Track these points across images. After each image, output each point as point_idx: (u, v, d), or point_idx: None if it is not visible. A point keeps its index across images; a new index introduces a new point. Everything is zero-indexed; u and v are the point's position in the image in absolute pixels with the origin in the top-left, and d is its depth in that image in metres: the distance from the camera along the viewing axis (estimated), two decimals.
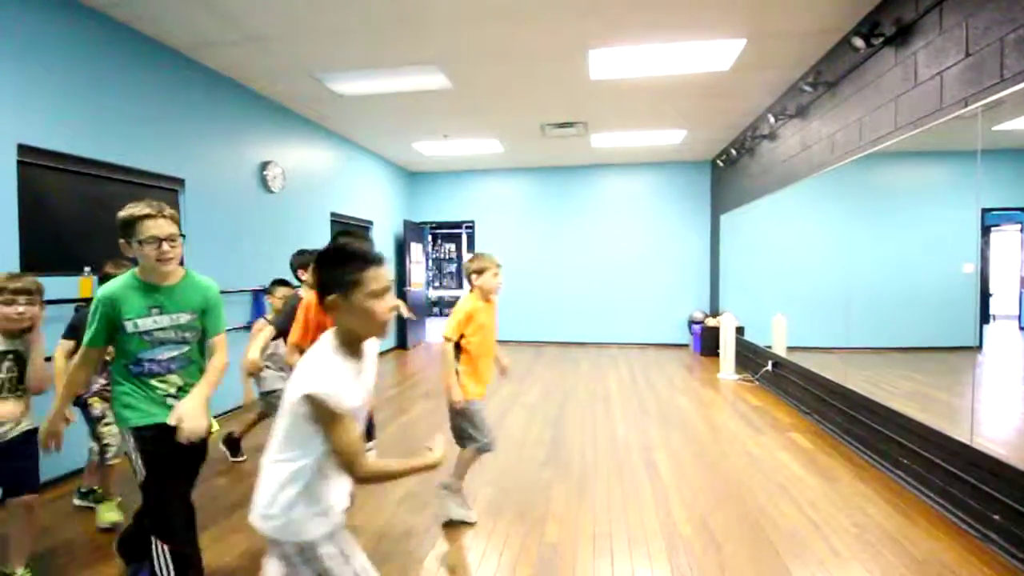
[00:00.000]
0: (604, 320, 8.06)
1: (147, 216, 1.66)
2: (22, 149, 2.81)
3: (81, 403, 2.45)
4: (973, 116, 2.40)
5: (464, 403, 2.41)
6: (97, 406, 2.48)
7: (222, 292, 4.59)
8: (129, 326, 1.65)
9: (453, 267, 13.33)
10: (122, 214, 1.68)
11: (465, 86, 4.57)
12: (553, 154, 7.31)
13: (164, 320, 1.72)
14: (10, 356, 1.95)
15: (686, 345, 7.76)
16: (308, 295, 2.46)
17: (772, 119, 4.76)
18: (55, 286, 2.95)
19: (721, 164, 6.87)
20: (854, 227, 3.62)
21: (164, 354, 1.74)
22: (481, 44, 3.75)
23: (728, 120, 5.70)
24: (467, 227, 12.43)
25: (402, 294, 7.83)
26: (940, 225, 2.89)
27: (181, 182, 3.85)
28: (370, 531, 2.43)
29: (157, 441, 1.66)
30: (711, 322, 6.95)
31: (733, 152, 6.21)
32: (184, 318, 1.78)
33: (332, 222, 6.04)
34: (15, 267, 2.75)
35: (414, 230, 8.23)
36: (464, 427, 2.47)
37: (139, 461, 1.68)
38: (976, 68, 2.40)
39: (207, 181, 4.09)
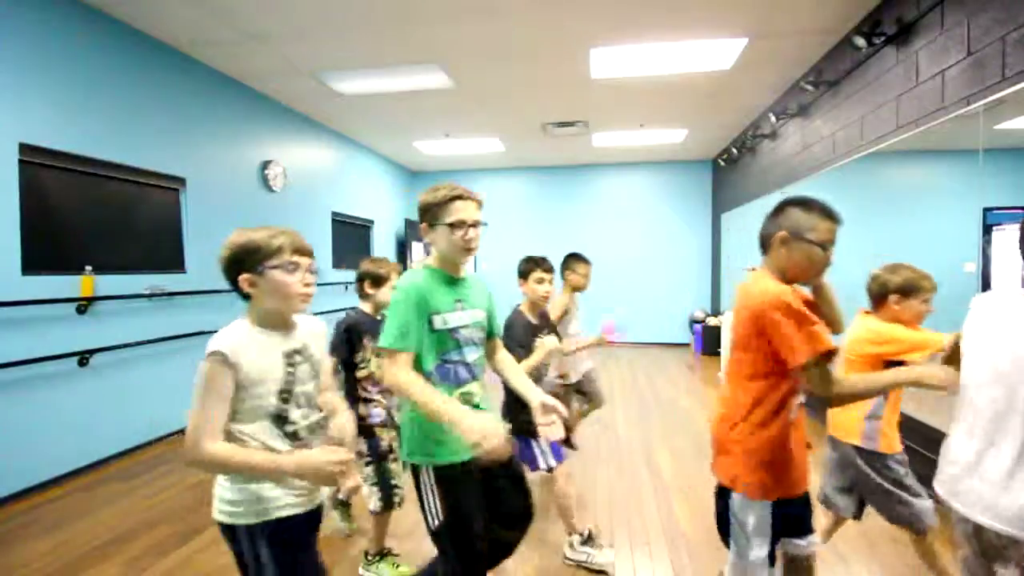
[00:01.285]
0: (606, 318, 8.04)
1: (459, 197, 1.48)
2: (23, 148, 2.81)
3: (367, 432, 2.05)
4: (975, 115, 2.40)
5: None
6: (386, 437, 2.08)
7: (223, 292, 4.62)
8: (438, 321, 1.41)
9: None
10: (429, 195, 1.52)
11: (466, 85, 4.57)
12: (554, 153, 7.31)
13: (466, 317, 1.49)
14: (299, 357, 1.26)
15: (687, 344, 7.76)
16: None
17: (773, 118, 4.75)
18: (56, 286, 2.96)
19: (722, 163, 6.87)
20: (855, 226, 3.61)
21: (471, 355, 1.49)
22: (482, 43, 3.74)
23: (729, 119, 5.70)
24: None
25: None
26: (941, 224, 2.88)
27: (182, 181, 3.85)
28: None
29: (466, 479, 1.36)
30: (712, 321, 6.95)
31: (734, 151, 6.20)
32: (479, 315, 1.55)
33: (333, 221, 6.04)
34: (16, 266, 2.76)
35: (415, 229, 8.23)
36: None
37: (437, 503, 1.40)
38: (978, 67, 2.40)
39: (208, 180, 4.09)
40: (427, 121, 5.74)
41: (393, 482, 2.06)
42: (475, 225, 1.48)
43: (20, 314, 2.76)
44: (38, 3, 2.86)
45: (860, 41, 3.13)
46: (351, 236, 6.62)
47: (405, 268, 8.12)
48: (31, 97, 2.84)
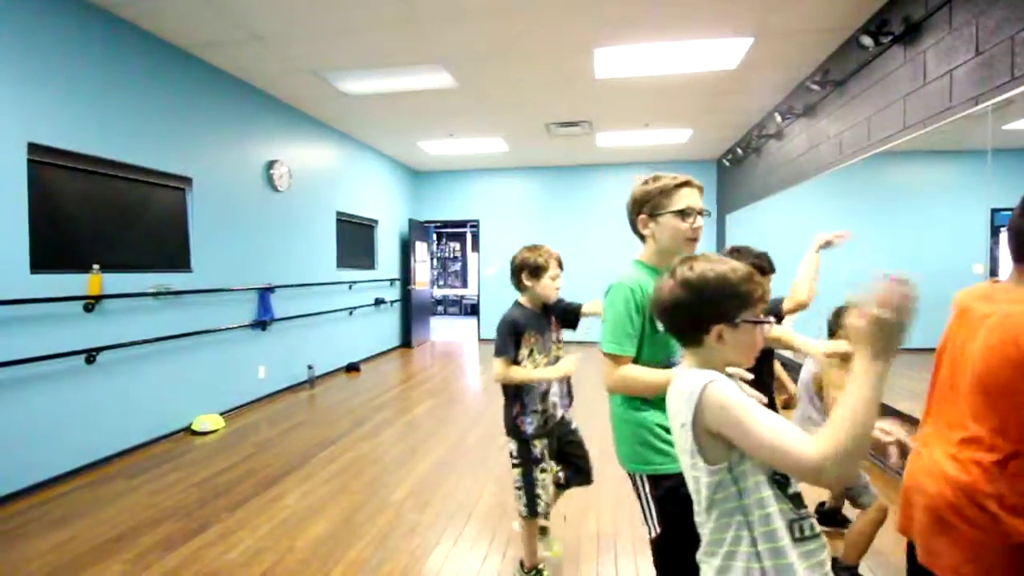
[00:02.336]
0: None
1: (686, 183, 1.38)
2: (32, 147, 2.83)
3: (517, 433, 1.96)
4: (983, 115, 2.38)
5: None
6: (538, 444, 1.97)
7: (228, 291, 4.64)
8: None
9: (458, 266, 13.35)
10: (649, 185, 1.42)
11: (470, 85, 4.57)
12: (558, 153, 7.30)
13: None
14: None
15: None
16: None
17: (779, 118, 4.73)
18: (63, 284, 2.98)
19: (727, 163, 6.84)
20: (862, 227, 3.59)
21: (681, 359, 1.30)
22: (486, 43, 3.74)
23: (734, 119, 5.67)
24: (472, 226, 12.44)
25: (406, 293, 7.85)
26: (949, 225, 2.86)
27: (188, 180, 3.87)
28: (374, 529, 2.44)
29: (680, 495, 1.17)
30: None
31: (739, 151, 6.17)
32: None
33: (338, 221, 6.06)
34: (24, 264, 2.78)
35: (419, 229, 8.24)
36: None
37: (654, 514, 1.32)
38: (986, 67, 2.38)
39: (214, 180, 4.11)
40: (431, 121, 5.75)
41: (537, 491, 1.94)
42: (701, 213, 1.37)
43: (28, 312, 2.79)
44: (46, 4, 2.89)
45: (867, 40, 3.11)
46: (355, 236, 6.64)
47: (408, 270, 8.11)
48: (39, 97, 2.86)
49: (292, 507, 2.65)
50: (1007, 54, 2.26)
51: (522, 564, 2.04)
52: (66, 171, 3.08)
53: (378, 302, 7.00)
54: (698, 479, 0.90)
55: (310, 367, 5.26)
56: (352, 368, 6.08)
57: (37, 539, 2.35)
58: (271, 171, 4.77)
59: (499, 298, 8.42)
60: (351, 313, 6.30)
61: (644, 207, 1.42)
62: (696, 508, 0.94)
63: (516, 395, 1.96)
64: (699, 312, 0.94)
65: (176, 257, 3.83)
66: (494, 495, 2.79)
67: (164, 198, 3.75)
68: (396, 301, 7.68)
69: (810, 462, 0.76)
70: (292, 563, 2.15)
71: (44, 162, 2.93)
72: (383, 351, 7.29)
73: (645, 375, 1.31)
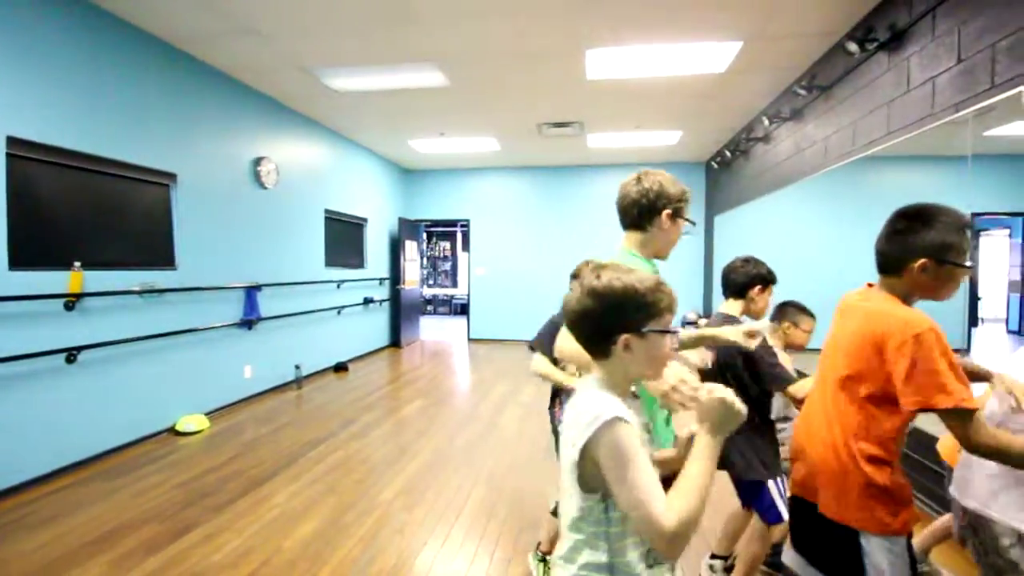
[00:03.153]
0: None
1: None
2: (11, 142, 2.77)
3: (554, 428, 2.04)
4: (964, 122, 2.43)
5: None
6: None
7: (214, 289, 4.59)
8: None
9: (448, 265, 13.31)
10: (680, 186, 1.52)
11: (462, 84, 4.56)
12: (549, 153, 7.32)
13: None
14: None
15: None
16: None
17: (767, 122, 4.79)
18: (44, 282, 2.92)
19: (716, 166, 6.91)
20: (847, 230, 3.65)
21: None
22: (478, 42, 3.74)
23: (723, 122, 5.73)
24: (462, 225, 12.42)
25: (395, 292, 7.82)
26: None
27: (173, 177, 3.81)
28: (362, 529, 2.43)
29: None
30: (705, 323, 6.98)
31: (728, 154, 6.24)
32: None
33: (326, 219, 6.01)
34: (3, 262, 2.72)
35: (409, 228, 8.21)
36: None
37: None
38: (968, 74, 2.43)
39: (199, 176, 4.05)
40: (422, 119, 5.72)
41: None
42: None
43: (7, 310, 2.72)
44: None
45: (853, 47, 3.16)
46: (344, 234, 6.59)
47: (398, 269, 8.07)
48: (19, 91, 2.80)
49: (279, 507, 2.62)
50: (988, 62, 2.31)
51: (538, 546, 2.14)
52: (46, 166, 3.01)
53: (367, 301, 6.96)
54: (571, 496, 0.92)
55: (297, 367, 5.22)
56: (340, 368, 6.03)
57: (17, 541, 2.30)
58: (258, 168, 4.71)
59: (489, 298, 8.42)
60: (339, 312, 6.26)
61: (672, 204, 1.46)
62: (561, 509, 0.98)
63: (555, 392, 2.14)
64: (605, 321, 0.91)
65: (160, 255, 3.77)
66: (483, 495, 2.79)
67: (148, 194, 3.69)
68: (385, 300, 7.64)
69: (669, 527, 0.81)
70: (279, 564, 2.13)
71: (23, 156, 2.86)
72: (372, 351, 7.25)
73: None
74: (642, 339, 0.91)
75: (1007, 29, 2.21)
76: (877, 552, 1.17)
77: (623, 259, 1.42)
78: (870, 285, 1.35)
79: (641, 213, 1.48)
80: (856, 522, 1.19)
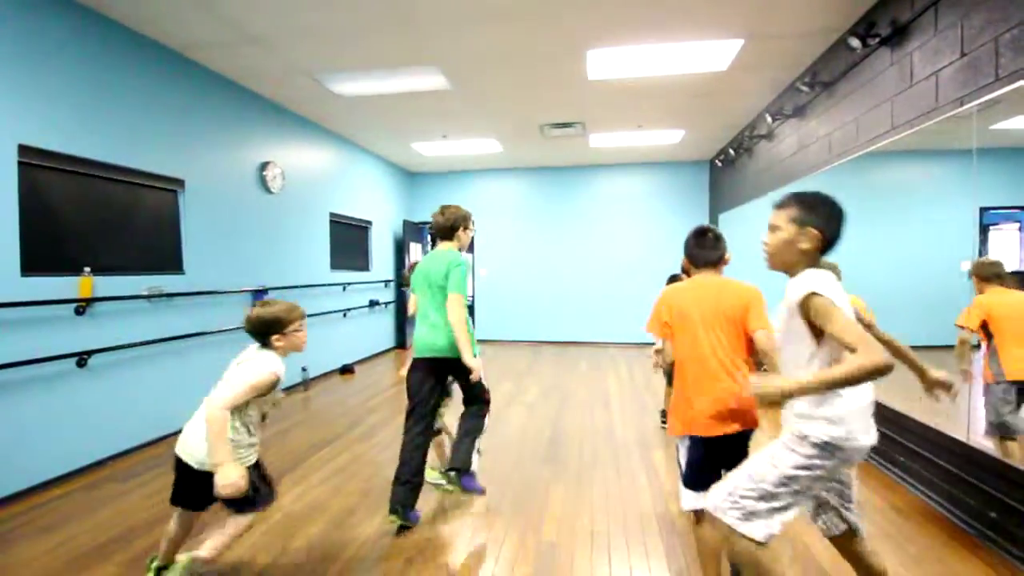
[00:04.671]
0: (603, 320, 8.07)
1: None
2: (23, 150, 2.82)
3: None
4: (968, 115, 2.41)
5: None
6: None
7: (221, 293, 4.61)
8: None
9: None
10: (463, 211, 2.66)
11: (464, 86, 4.58)
12: (552, 154, 7.33)
13: None
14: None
15: None
16: None
17: (769, 119, 4.77)
18: (55, 287, 2.97)
19: (719, 164, 6.89)
20: (851, 226, 3.63)
21: None
22: (480, 45, 3.76)
23: (726, 120, 5.72)
24: None
25: (401, 294, 7.85)
26: (939, 224, 2.90)
27: (181, 183, 3.86)
28: (369, 530, 2.44)
29: None
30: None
31: (731, 152, 6.22)
32: None
33: (332, 222, 6.05)
34: (15, 268, 2.77)
35: (413, 230, 8.24)
36: None
37: None
38: (971, 68, 2.42)
39: (207, 182, 4.10)
40: (425, 122, 5.75)
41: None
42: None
43: (19, 315, 2.77)
44: (37, 5, 2.87)
45: (855, 42, 3.15)
46: (349, 237, 6.63)
47: (400, 270, 8.09)
48: (30, 99, 2.85)
49: (286, 509, 2.65)
50: (991, 55, 2.29)
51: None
52: (57, 173, 3.06)
53: (372, 303, 6.99)
54: None
55: (304, 369, 5.25)
56: (346, 370, 6.06)
57: (30, 543, 2.33)
58: (264, 172, 4.75)
59: (493, 299, 8.43)
60: (345, 315, 6.29)
61: (465, 223, 2.62)
62: None
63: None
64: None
65: (168, 259, 3.81)
66: (489, 494, 2.80)
67: (156, 200, 3.74)
68: (391, 302, 7.67)
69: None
70: (286, 564, 2.15)
71: (35, 164, 2.91)
72: (378, 352, 7.28)
73: None
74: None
75: (1010, 22, 2.19)
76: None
77: (451, 256, 2.47)
78: (689, 276, 2.12)
79: (453, 229, 2.59)
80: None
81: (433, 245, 2.81)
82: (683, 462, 1.88)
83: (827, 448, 1.37)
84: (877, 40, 3.07)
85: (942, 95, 2.61)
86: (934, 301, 2.91)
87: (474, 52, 3.88)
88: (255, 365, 1.85)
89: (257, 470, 1.93)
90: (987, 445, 2.33)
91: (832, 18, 3.37)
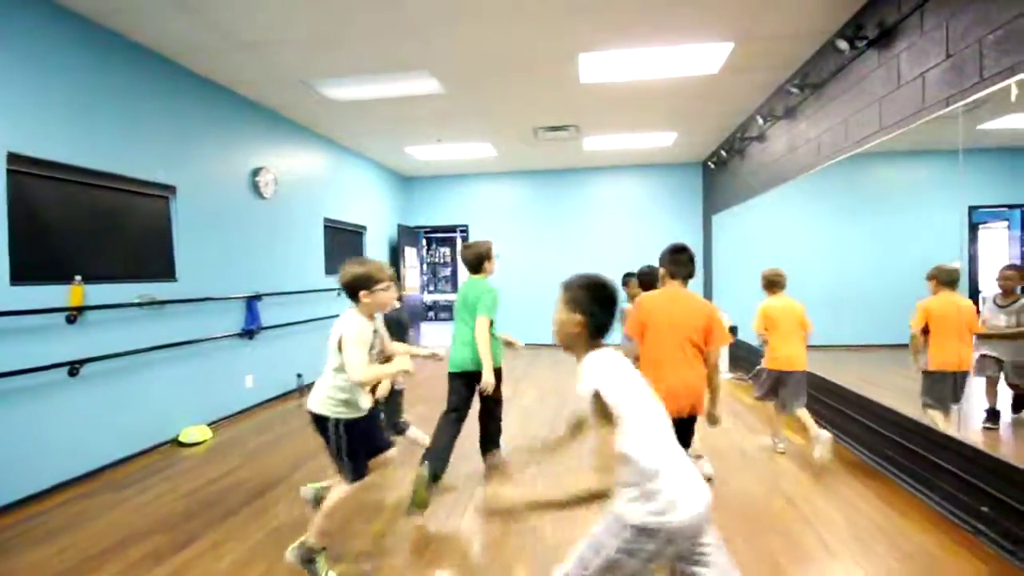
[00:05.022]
0: None
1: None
2: (11, 157, 2.80)
3: None
4: (955, 116, 2.45)
5: None
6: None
7: (214, 299, 4.59)
8: None
9: (448, 271, 13.33)
10: (487, 245, 2.99)
11: (457, 90, 4.59)
12: (546, 157, 7.35)
13: None
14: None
15: None
16: None
17: (761, 121, 4.81)
18: (45, 296, 2.94)
19: (712, 166, 6.93)
20: (844, 226, 3.67)
21: None
22: (472, 49, 3.77)
23: (718, 122, 5.76)
24: (461, 231, 12.42)
25: (397, 299, 7.83)
26: (928, 223, 2.93)
27: (172, 189, 3.84)
28: (363, 537, 2.43)
29: None
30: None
31: (723, 154, 6.26)
32: None
33: (326, 227, 6.04)
34: (4, 277, 2.74)
35: (408, 234, 8.23)
36: None
37: None
38: (956, 69, 2.45)
39: (199, 188, 4.08)
40: (419, 127, 5.76)
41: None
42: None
43: (9, 324, 2.74)
44: (27, 11, 2.86)
45: (843, 44, 3.19)
46: (344, 242, 6.61)
47: (397, 274, 8.09)
48: (19, 106, 2.83)
49: (282, 516, 2.63)
50: (975, 57, 2.33)
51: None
52: (47, 181, 3.04)
53: None
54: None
55: (299, 375, 5.23)
56: None
57: (23, 553, 2.31)
58: (257, 178, 4.74)
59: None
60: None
61: (489, 256, 2.97)
62: None
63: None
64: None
65: (160, 266, 3.79)
66: (487, 497, 2.79)
67: (148, 207, 3.72)
68: None
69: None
70: (283, 572, 2.14)
71: (24, 172, 2.89)
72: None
73: None
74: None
75: (993, 24, 2.23)
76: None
77: (482, 285, 2.86)
78: (663, 287, 2.42)
79: (479, 263, 2.93)
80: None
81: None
82: None
83: (644, 532, 1.22)
84: (865, 42, 3.11)
85: (929, 96, 2.65)
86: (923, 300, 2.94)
87: (467, 56, 3.89)
88: (347, 327, 1.98)
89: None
90: (976, 440, 2.37)
91: (820, 21, 3.40)
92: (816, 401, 3.88)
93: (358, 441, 2.04)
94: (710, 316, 2.22)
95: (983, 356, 2.56)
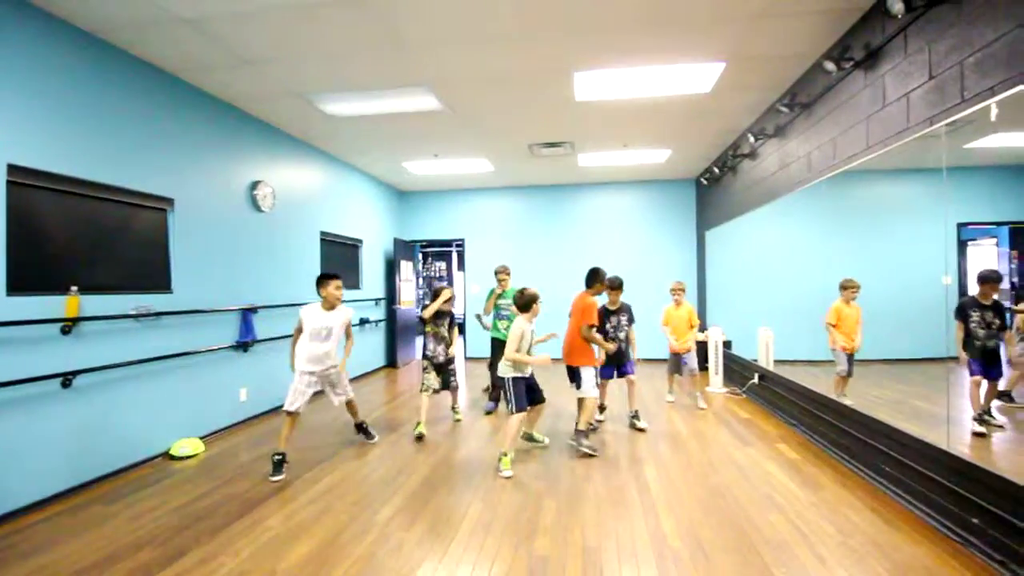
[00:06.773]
0: None
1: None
2: (11, 169, 2.82)
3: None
4: (939, 135, 2.52)
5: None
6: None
7: (209, 312, 4.59)
8: None
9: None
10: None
11: (455, 107, 4.67)
12: (542, 173, 7.44)
13: None
14: None
15: None
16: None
17: (752, 139, 4.91)
18: (41, 306, 2.94)
19: (705, 182, 7.03)
20: (836, 242, 3.73)
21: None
22: (470, 67, 3.85)
23: (711, 140, 5.86)
24: (457, 245, 12.48)
25: (391, 312, 7.84)
26: (918, 239, 2.99)
27: (170, 201, 3.87)
28: (359, 548, 2.41)
29: None
30: (698, 336, 7.01)
31: (716, 170, 6.36)
32: None
33: (322, 241, 6.06)
34: (1, 286, 2.75)
35: (404, 248, 8.26)
36: None
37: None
38: (939, 90, 2.53)
39: (197, 201, 4.11)
40: (416, 142, 5.83)
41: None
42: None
43: (3, 335, 2.74)
44: (26, 25, 2.91)
45: (830, 66, 3.28)
46: (340, 255, 6.63)
47: (393, 289, 8.08)
48: (19, 119, 2.86)
49: (275, 529, 2.61)
50: (957, 78, 2.41)
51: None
52: (45, 192, 3.06)
53: (363, 322, 6.97)
54: None
55: None
56: None
57: (13, 567, 2.27)
58: (255, 192, 4.78)
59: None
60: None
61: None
62: None
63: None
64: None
65: (157, 278, 3.80)
66: (480, 512, 2.79)
67: (145, 219, 3.74)
68: (381, 321, 7.65)
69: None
70: None
71: (23, 183, 2.91)
72: (368, 371, 7.23)
73: None
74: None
75: (974, 46, 2.31)
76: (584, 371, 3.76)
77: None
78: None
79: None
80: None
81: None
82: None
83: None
84: (851, 63, 3.21)
85: (913, 115, 2.73)
86: (915, 315, 2.98)
87: (465, 74, 3.97)
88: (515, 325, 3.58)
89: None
90: (966, 452, 2.39)
91: (809, 42, 3.51)
92: (811, 415, 3.90)
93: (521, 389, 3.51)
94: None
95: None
